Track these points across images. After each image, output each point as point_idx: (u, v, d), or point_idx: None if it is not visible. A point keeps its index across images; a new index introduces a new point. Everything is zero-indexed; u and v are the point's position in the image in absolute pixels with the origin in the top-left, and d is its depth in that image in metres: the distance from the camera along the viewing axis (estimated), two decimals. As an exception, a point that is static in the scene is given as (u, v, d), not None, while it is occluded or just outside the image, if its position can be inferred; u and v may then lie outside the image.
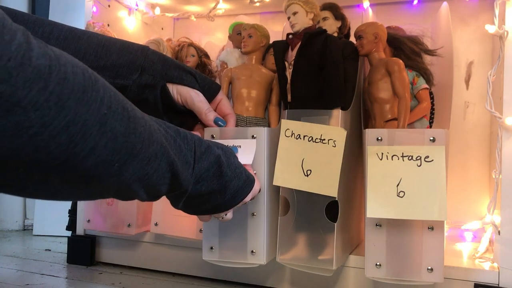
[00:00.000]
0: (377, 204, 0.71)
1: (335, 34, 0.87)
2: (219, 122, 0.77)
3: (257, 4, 1.21)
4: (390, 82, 0.78)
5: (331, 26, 0.87)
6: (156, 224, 0.96)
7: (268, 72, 0.88)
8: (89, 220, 1.03)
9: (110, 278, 0.97)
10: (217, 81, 0.92)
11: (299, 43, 0.79)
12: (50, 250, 1.24)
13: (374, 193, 0.71)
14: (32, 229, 1.50)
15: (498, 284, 0.77)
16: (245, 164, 0.73)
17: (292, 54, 0.81)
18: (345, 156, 0.75)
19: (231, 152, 0.67)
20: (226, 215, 0.70)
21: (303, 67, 0.78)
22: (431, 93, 0.86)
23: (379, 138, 0.73)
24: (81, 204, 1.07)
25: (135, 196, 0.52)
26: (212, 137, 0.79)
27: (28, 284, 0.93)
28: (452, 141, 1.05)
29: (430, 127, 0.85)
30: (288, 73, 0.81)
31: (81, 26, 1.03)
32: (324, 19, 0.87)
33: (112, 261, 1.06)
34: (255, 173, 0.75)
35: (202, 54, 1.05)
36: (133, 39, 1.09)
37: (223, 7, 1.25)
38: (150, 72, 0.72)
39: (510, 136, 0.79)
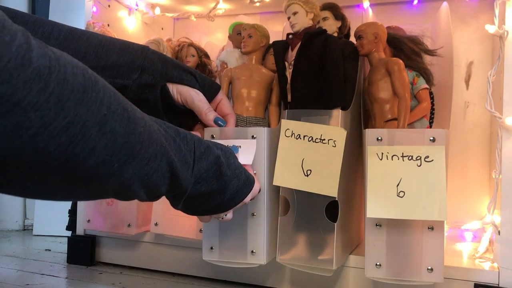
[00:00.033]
0: (377, 204, 0.71)
1: (335, 34, 0.87)
2: (219, 122, 0.77)
3: (257, 4, 1.21)
4: (390, 82, 0.78)
5: (331, 26, 0.87)
6: (156, 224, 0.96)
7: (268, 72, 0.88)
8: (89, 220, 1.04)
9: (110, 278, 0.97)
10: (217, 81, 0.92)
11: (299, 43, 0.79)
12: (50, 250, 1.24)
13: (374, 193, 0.71)
14: (32, 229, 1.50)
15: (498, 284, 0.78)
16: (245, 165, 0.73)
17: (292, 54, 0.81)
18: (345, 156, 0.75)
19: (230, 153, 0.67)
20: (226, 215, 0.70)
21: (303, 67, 0.78)
22: (431, 93, 0.86)
23: (379, 138, 0.73)
24: (81, 204, 1.07)
25: (134, 197, 0.52)
26: (212, 137, 0.79)
27: (28, 284, 0.93)
28: (452, 141, 1.05)
29: (430, 127, 0.85)
30: (288, 73, 0.81)
31: (81, 26, 1.03)
32: (324, 19, 0.87)
33: (112, 261, 1.06)
34: (255, 173, 0.75)
35: (202, 54, 1.05)
36: (133, 39, 1.09)
37: (223, 7, 1.25)
38: (150, 71, 0.72)
39: (510, 136, 0.79)
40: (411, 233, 0.73)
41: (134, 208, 0.99)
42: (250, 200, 0.72)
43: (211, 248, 0.81)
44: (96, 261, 1.06)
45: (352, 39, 0.87)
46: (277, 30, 1.09)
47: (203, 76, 0.78)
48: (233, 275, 0.93)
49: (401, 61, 0.78)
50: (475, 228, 1.02)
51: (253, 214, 0.78)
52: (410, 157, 0.71)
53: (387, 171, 0.71)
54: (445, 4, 0.98)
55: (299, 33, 0.81)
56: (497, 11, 0.79)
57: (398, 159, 0.71)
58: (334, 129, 0.75)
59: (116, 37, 0.84)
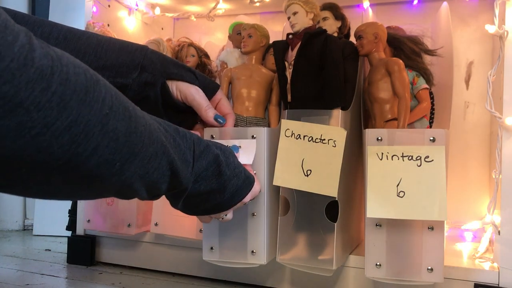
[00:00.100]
0: (377, 204, 0.71)
1: (335, 34, 0.87)
2: (219, 119, 0.76)
3: (257, 4, 1.21)
4: (390, 82, 0.79)
5: (331, 26, 0.87)
6: (156, 224, 0.96)
7: (268, 72, 0.88)
8: (89, 220, 1.04)
9: (110, 278, 0.97)
10: (217, 81, 0.92)
11: (299, 43, 0.79)
12: (50, 250, 1.24)
13: (374, 193, 0.71)
14: (32, 229, 1.49)
15: (498, 284, 0.78)
16: (245, 164, 0.73)
17: (292, 54, 0.81)
18: (345, 156, 0.75)
19: (230, 152, 0.67)
20: (226, 215, 0.70)
21: (303, 67, 0.78)
22: (431, 93, 0.86)
23: (379, 138, 0.73)
24: (81, 204, 1.07)
25: (135, 195, 0.52)
26: (212, 137, 0.79)
27: (28, 284, 0.93)
28: (452, 141, 1.06)
29: (430, 127, 0.85)
30: (288, 73, 0.81)
31: (81, 26, 1.03)
32: (324, 19, 0.87)
33: (112, 261, 1.06)
34: (255, 173, 0.75)
35: (202, 54, 1.05)
36: (133, 39, 1.09)
37: (223, 7, 1.25)
38: (149, 70, 0.72)
39: (510, 136, 0.79)
40: (411, 233, 0.73)
41: (134, 208, 0.99)
42: (250, 200, 0.72)
43: (211, 248, 0.81)
44: (96, 261, 1.06)
45: (352, 39, 0.88)
46: (277, 30, 1.09)
47: (202, 74, 0.78)
48: (233, 275, 0.93)
49: (401, 61, 0.79)
50: (475, 228, 1.02)
51: (253, 214, 0.78)
52: (410, 157, 0.71)
53: (387, 171, 0.71)
54: (445, 4, 0.98)
55: (299, 33, 0.81)
56: (497, 11, 0.79)
57: (398, 159, 0.71)
58: (334, 129, 0.75)
59: (116, 37, 0.84)
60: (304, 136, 0.77)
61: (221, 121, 0.77)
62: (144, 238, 1.02)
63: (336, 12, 0.88)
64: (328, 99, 0.77)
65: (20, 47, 0.33)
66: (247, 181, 0.68)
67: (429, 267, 0.71)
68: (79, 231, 1.07)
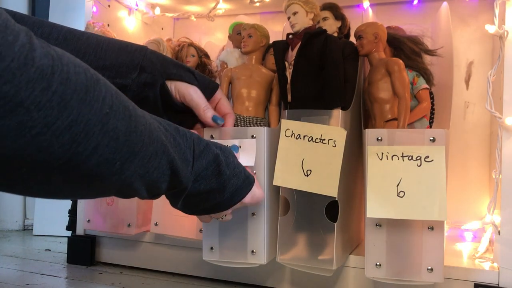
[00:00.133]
0: (377, 204, 0.71)
1: (335, 34, 0.87)
2: (217, 120, 0.76)
3: (257, 4, 1.21)
4: (390, 82, 0.79)
5: (331, 26, 0.87)
6: (156, 224, 0.96)
7: (268, 72, 0.88)
8: (89, 220, 1.04)
9: (110, 278, 0.97)
10: (217, 81, 0.92)
11: (299, 43, 0.79)
12: (50, 250, 1.24)
13: (374, 193, 0.71)
14: (32, 229, 1.49)
15: (498, 284, 0.78)
16: (246, 166, 0.73)
17: (292, 54, 0.81)
18: (345, 156, 0.75)
19: (229, 152, 0.67)
20: (225, 215, 0.70)
21: (303, 67, 0.78)
22: (431, 93, 0.86)
23: (379, 138, 0.73)
24: (81, 204, 1.07)
25: (136, 194, 0.52)
26: (212, 137, 0.79)
27: (28, 284, 0.93)
28: (452, 141, 1.06)
29: (430, 127, 0.85)
30: (288, 73, 0.81)
31: (81, 26, 1.03)
32: (324, 19, 0.87)
33: (112, 261, 1.06)
34: (254, 173, 0.75)
35: (202, 54, 1.05)
36: (133, 39, 1.09)
37: (223, 7, 1.26)
38: (149, 70, 0.72)
39: (510, 136, 0.79)
40: (411, 233, 0.73)
41: (134, 208, 0.99)
42: (252, 205, 0.72)
43: (211, 248, 0.81)
44: (96, 261, 1.06)
45: (352, 39, 0.88)
46: (277, 30, 1.09)
47: (201, 74, 0.78)
48: (233, 275, 0.93)
49: (401, 61, 0.79)
50: (475, 228, 1.02)
51: (253, 214, 0.78)
52: (410, 157, 0.71)
53: (387, 171, 0.71)
54: (445, 4, 0.98)
55: (299, 33, 0.81)
56: (497, 11, 0.79)
57: (398, 159, 0.71)
58: (334, 129, 0.75)
59: (116, 37, 0.84)
60: (304, 136, 0.77)
61: (219, 121, 0.77)
62: (144, 238, 1.02)
63: (336, 12, 0.88)
64: (328, 99, 0.77)
65: (21, 46, 0.33)
66: (247, 181, 0.68)
67: (429, 267, 0.71)
68: (79, 231, 1.07)
